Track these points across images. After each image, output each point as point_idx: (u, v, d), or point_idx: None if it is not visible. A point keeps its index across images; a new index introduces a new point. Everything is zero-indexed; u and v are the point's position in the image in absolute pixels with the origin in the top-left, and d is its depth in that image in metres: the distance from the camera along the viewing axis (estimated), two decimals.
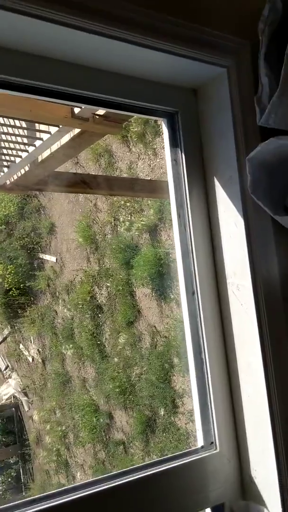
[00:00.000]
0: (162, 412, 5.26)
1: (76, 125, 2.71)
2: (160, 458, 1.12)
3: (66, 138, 2.91)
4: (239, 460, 1.18)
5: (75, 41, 1.00)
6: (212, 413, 1.17)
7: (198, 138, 1.25)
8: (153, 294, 5.31)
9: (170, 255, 5.04)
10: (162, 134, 5.14)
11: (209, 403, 1.17)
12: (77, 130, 2.82)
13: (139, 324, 5.46)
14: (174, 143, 1.24)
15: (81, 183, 2.98)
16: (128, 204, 5.52)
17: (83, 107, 2.42)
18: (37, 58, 1.04)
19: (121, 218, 5.63)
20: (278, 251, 1.17)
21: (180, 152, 1.22)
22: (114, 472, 1.04)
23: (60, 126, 2.80)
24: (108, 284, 5.84)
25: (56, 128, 2.82)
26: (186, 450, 1.16)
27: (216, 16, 1.15)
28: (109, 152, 5.69)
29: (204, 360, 1.18)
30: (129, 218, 5.54)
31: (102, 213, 5.88)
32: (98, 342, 5.94)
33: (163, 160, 4.99)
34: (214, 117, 1.22)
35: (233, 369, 1.20)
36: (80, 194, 6.10)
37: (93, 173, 5.72)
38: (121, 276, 5.62)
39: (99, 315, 5.97)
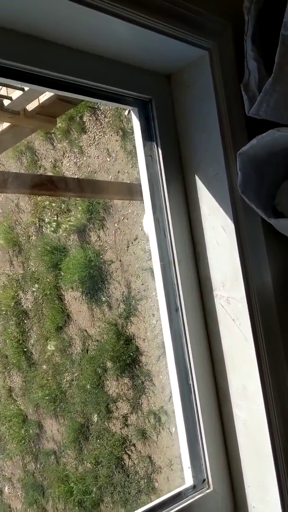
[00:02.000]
0: (95, 418, 5.08)
1: (5, 118, 2.46)
2: (146, 507, 0.95)
3: None
4: (234, 497, 1.04)
5: (26, 3, 0.80)
6: (203, 447, 1.01)
7: (174, 130, 1.09)
8: (83, 298, 5.11)
9: (101, 256, 4.87)
10: (88, 131, 4.95)
11: (199, 436, 1.02)
12: (6, 125, 2.57)
13: (69, 328, 5.24)
14: (148, 136, 1.07)
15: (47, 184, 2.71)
16: (54, 204, 5.28)
17: (38, 89, 2.17)
18: None
19: (46, 219, 5.36)
20: (270, 258, 1.04)
21: (155, 146, 1.06)
22: None
23: None
24: (34, 289, 5.57)
25: None
26: (176, 492, 1.00)
27: None
28: (31, 149, 5.41)
29: (191, 387, 1.03)
30: (55, 219, 5.29)
31: (25, 214, 5.58)
32: (25, 350, 5.64)
33: (91, 158, 4.80)
34: (192, 107, 1.07)
35: (223, 394, 1.05)
36: (0, 194, 5.77)
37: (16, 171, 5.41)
38: (48, 280, 5.37)
39: (25, 321, 5.68)
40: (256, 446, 1.00)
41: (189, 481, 1.02)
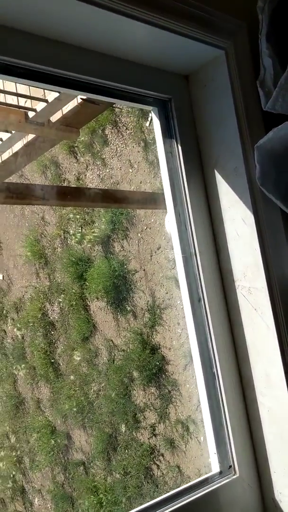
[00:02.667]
0: (123, 428, 5.09)
1: (30, 130, 2.54)
2: (174, 491, 0.98)
3: (18, 145, 2.74)
4: (260, 483, 1.05)
5: (51, 10, 0.85)
6: (228, 433, 1.04)
7: (193, 127, 1.13)
8: (109, 307, 5.16)
9: (125, 266, 4.91)
10: (110, 143, 5.03)
11: (224, 422, 1.04)
12: (31, 136, 2.65)
13: (95, 339, 5.28)
14: (168, 134, 1.11)
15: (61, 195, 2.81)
16: (78, 216, 5.36)
17: (62, 91, 2.23)
18: (8, 30, 0.87)
19: (71, 231, 5.45)
20: None
21: (175, 143, 1.10)
22: None
23: (12, 131, 2.62)
24: (60, 300, 5.63)
25: (8, 134, 2.64)
26: (203, 478, 1.02)
27: None
28: (55, 163, 5.52)
29: (216, 375, 1.05)
30: (79, 231, 5.37)
31: (50, 227, 5.68)
32: (52, 361, 5.69)
33: (113, 169, 4.88)
34: (211, 104, 1.11)
35: (247, 382, 1.07)
36: (26, 208, 5.89)
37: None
38: (73, 291, 5.43)
39: (52, 332, 5.74)
40: (281, 432, 1.02)
41: (215, 468, 1.04)
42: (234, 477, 1.03)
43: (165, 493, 0.96)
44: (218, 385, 1.05)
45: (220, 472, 1.03)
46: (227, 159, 1.07)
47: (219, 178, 1.09)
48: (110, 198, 3.76)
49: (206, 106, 1.11)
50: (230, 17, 1.06)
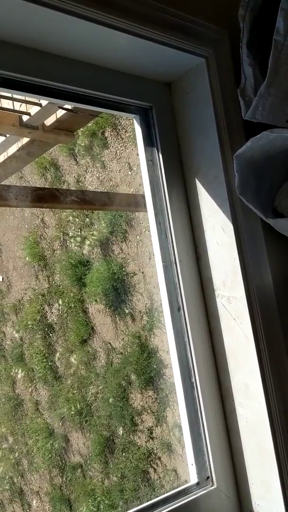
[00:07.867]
0: (120, 431, 5.08)
1: (25, 134, 2.54)
2: (150, 502, 0.97)
3: (13, 149, 2.74)
4: (238, 494, 1.05)
5: (31, 19, 0.85)
6: (206, 444, 1.03)
7: (174, 135, 1.12)
8: (107, 310, 5.15)
9: (124, 269, 4.91)
10: (110, 146, 5.03)
11: (202, 433, 1.03)
12: (25, 140, 2.65)
13: (93, 341, 5.28)
14: (148, 142, 1.11)
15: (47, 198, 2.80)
16: (77, 219, 5.36)
17: (44, 100, 2.24)
18: None
19: (70, 233, 5.44)
20: (270, 258, 1.06)
21: (156, 151, 1.09)
22: None
23: (7, 135, 2.62)
24: (59, 302, 5.63)
25: (3, 138, 2.64)
26: (180, 489, 1.01)
27: (193, 2, 1.03)
28: (55, 165, 5.52)
29: (194, 384, 1.04)
30: (79, 233, 5.37)
31: (50, 229, 5.68)
32: (50, 363, 5.69)
33: (113, 172, 4.87)
34: (192, 112, 1.10)
35: (226, 393, 1.07)
36: (26, 210, 5.89)
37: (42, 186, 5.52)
38: (72, 293, 5.43)
39: (51, 334, 5.74)
40: (259, 444, 1.01)
41: (193, 478, 1.04)
42: (211, 488, 1.02)
43: (140, 504, 0.96)
44: (196, 395, 1.04)
45: (198, 483, 1.02)
46: (208, 167, 1.07)
47: (199, 187, 1.09)
48: (99, 200, 3.73)
49: (187, 114, 1.11)
50: (211, 25, 1.05)
